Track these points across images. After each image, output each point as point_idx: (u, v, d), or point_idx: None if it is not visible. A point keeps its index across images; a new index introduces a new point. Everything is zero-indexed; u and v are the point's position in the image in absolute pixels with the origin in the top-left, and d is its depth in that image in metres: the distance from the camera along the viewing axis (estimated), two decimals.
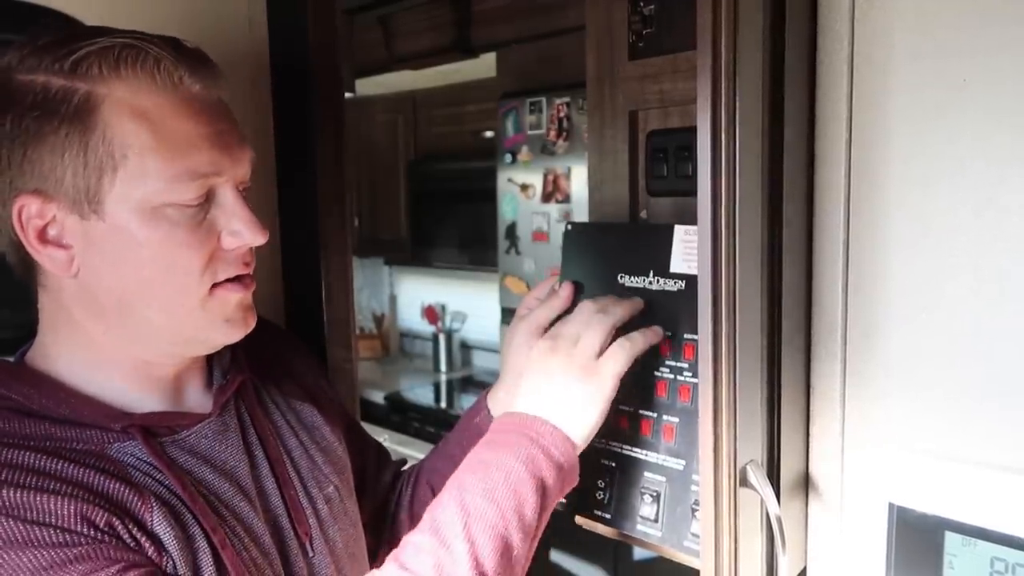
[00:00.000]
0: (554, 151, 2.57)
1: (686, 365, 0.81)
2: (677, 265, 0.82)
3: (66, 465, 0.67)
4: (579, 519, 0.89)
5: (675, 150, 0.89)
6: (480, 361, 3.89)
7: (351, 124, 1.27)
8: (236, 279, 0.75)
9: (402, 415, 3.47)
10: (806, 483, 0.79)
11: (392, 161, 3.58)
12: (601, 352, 0.79)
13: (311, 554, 0.82)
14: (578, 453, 0.77)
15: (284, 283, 1.21)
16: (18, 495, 0.63)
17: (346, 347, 1.21)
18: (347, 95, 1.40)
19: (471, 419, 0.98)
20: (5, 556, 0.61)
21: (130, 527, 0.66)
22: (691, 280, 0.80)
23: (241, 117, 0.77)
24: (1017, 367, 0.66)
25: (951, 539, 0.68)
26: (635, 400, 0.84)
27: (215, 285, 0.73)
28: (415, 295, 4.18)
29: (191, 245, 0.71)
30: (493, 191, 2.79)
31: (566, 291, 0.91)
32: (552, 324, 0.88)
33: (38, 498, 0.64)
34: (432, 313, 4.04)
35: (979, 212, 0.66)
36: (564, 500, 0.81)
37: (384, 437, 3.13)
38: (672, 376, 0.82)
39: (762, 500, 0.71)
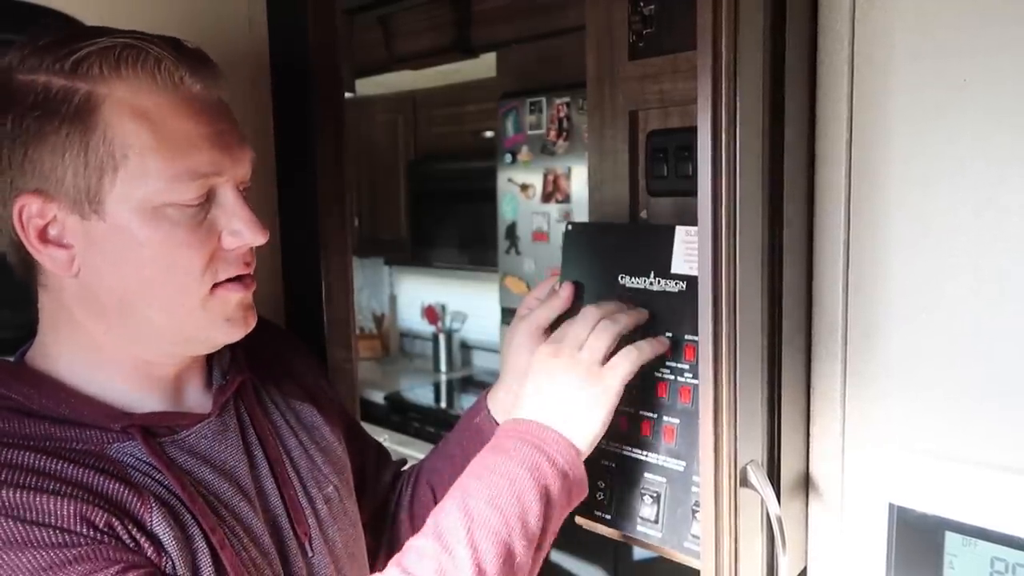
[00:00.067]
0: (554, 151, 2.57)
1: (687, 366, 0.81)
2: (678, 266, 0.82)
3: (65, 465, 0.67)
4: (579, 519, 0.89)
5: (675, 150, 0.89)
6: (480, 361, 3.89)
7: (351, 124, 1.27)
8: (237, 279, 0.75)
9: (402, 415, 3.47)
10: (806, 483, 0.79)
11: (392, 161, 3.58)
12: (606, 359, 0.79)
13: (310, 554, 0.82)
14: (583, 459, 0.77)
15: (284, 283, 1.21)
16: (17, 495, 0.63)
17: (346, 347, 1.21)
18: (347, 95, 1.40)
19: (471, 419, 0.98)
20: (4, 557, 0.61)
21: (129, 527, 0.66)
22: (692, 281, 0.80)
23: (241, 117, 0.77)
24: (1017, 367, 0.66)
25: (951, 539, 0.68)
26: (636, 401, 0.84)
27: (216, 285, 0.73)
28: (415, 295, 4.18)
29: (192, 245, 0.71)
30: (493, 191, 2.79)
31: (566, 291, 0.91)
32: (553, 325, 0.88)
33: (37, 498, 0.64)
34: (432, 313, 4.04)
35: (979, 212, 0.66)
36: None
37: (384, 437, 3.13)
38: (673, 377, 0.82)
39: (762, 500, 0.71)
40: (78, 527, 0.64)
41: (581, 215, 2.45)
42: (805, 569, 0.81)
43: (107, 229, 0.69)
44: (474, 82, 3.11)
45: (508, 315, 2.79)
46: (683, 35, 0.86)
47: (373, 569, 0.95)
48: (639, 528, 0.84)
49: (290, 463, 0.85)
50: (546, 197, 2.63)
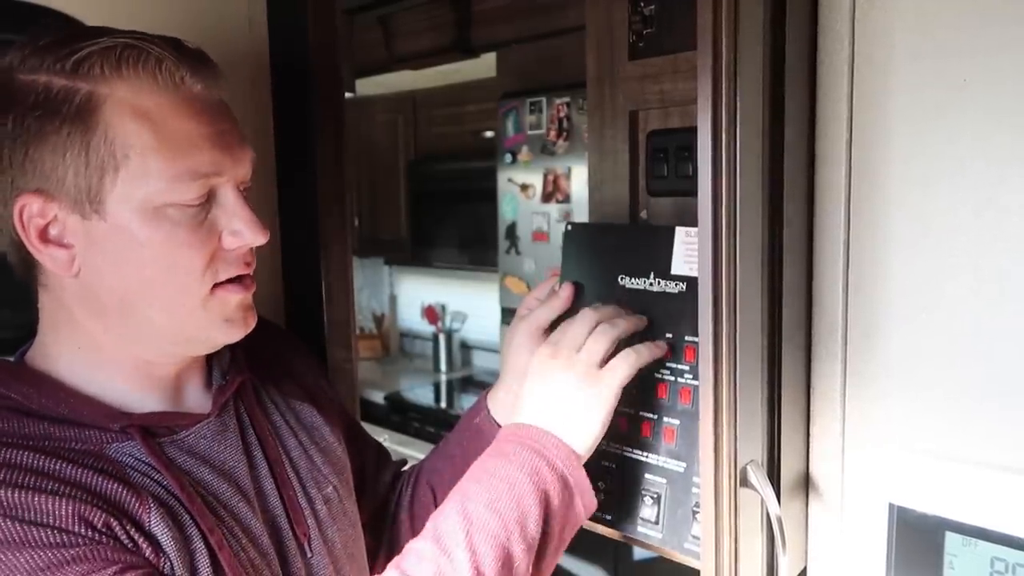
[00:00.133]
0: (554, 151, 2.57)
1: (687, 367, 0.81)
2: (678, 267, 0.82)
3: (64, 465, 0.67)
4: None
5: (675, 150, 0.89)
6: (480, 361, 3.89)
7: (351, 124, 1.27)
8: (237, 280, 0.75)
9: (402, 415, 3.47)
10: (806, 483, 0.79)
11: (392, 161, 3.58)
12: (604, 362, 0.79)
13: (309, 554, 0.82)
14: (582, 463, 0.77)
15: (284, 283, 1.21)
16: (16, 495, 0.63)
17: (346, 347, 1.21)
18: (347, 95, 1.40)
19: (471, 419, 0.98)
20: (2, 556, 0.61)
21: (128, 528, 0.66)
22: (692, 282, 0.80)
23: (241, 117, 0.77)
24: (1017, 367, 0.66)
25: (951, 539, 0.68)
26: (636, 402, 0.84)
27: (216, 285, 0.73)
28: (415, 295, 4.18)
29: (192, 245, 0.71)
30: (493, 191, 2.79)
31: (566, 292, 0.91)
32: (553, 325, 0.88)
33: (36, 498, 0.64)
34: (432, 313, 4.04)
35: (979, 212, 0.66)
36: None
37: (384, 437, 3.13)
38: (673, 378, 0.82)
39: (762, 500, 0.71)
40: (76, 527, 0.64)
41: (581, 215, 2.45)
42: (805, 569, 0.81)
43: (108, 229, 0.69)
44: (474, 82, 3.11)
45: (508, 315, 2.79)
46: (683, 35, 0.86)
47: (372, 570, 0.95)
48: (639, 529, 0.84)
49: (289, 463, 0.85)
50: (546, 197, 2.63)
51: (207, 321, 0.74)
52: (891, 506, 0.72)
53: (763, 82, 0.68)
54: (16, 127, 0.68)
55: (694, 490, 0.79)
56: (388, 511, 1.04)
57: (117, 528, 0.66)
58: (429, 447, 1.08)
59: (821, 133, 0.74)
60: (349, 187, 1.20)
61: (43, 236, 0.70)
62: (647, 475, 0.83)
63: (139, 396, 0.76)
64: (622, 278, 0.87)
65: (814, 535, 0.80)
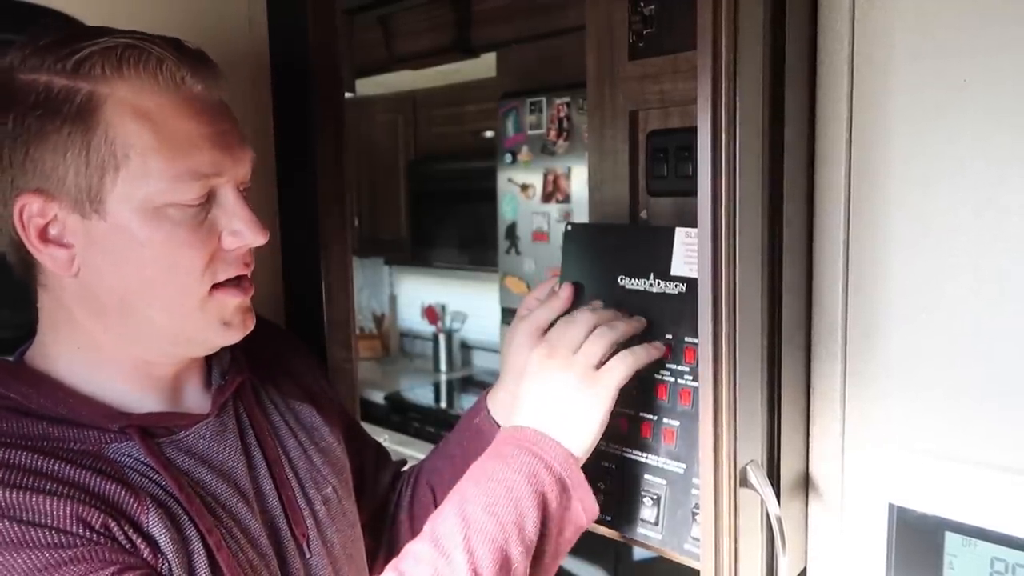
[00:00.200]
0: (554, 151, 2.57)
1: (687, 369, 0.81)
2: (678, 268, 0.82)
3: (62, 465, 0.67)
4: None
5: (675, 150, 0.89)
6: (480, 361, 3.89)
7: (351, 124, 1.27)
8: (235, 283, 0.75)
9: (402, 415, 3.47)
10: (806, 483, 0.79)
11: (392, 161, 3.58)
12: (600, 363, 0.79)
13: (308, 555, 0.82)
14: (580, 465, 0.77)
15: (284, 283, 1.21)
16: (14, 495, 0.63)
17: (346, 347, 1.21)
18: (347, 95, 1.40)
19: (471, 419, 0.98)
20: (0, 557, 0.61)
21: (126, 528, 0.66)
22: (692, 283, 0.80)
23: (241, 117, 0.77)
24: (1017, 367, 0.66)
25: (951, 539, 0.68)
26: (635, 403, 0.84)
27: (214, 287, 0.73)
28: (415, 295, 4.18)
29: (192, 245, 0.71)
30: (493, 191, 2.79)
31: (566, 292, 0.91)
32: (553, 325, 0.88)
33: (34, 499, 0.63)
34: (432, 313, 4.04)
35: (979, 212, 0.66)
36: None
37: (384, 437, 3.13)
38: (673, 379, 0.82)
39: (762, 500, 0.71)
40: (74, 528, 0.64)
41: (581, 215, 2.45)
42: (805, 569, 0.81)
43: (108, 229, 0.69)
44: (474, 82, 3.11)
45: (508, 315, 2.79)
46: (683, 35, 0.86)
47: (372, 571, 0.95)
48: (639, 530, 0.84)
49: (288, 464, 0.85)
50: (546, 197, 2.63)
51: (204, 323, 0.74)
52: (891, 506, 0.72)
53: (763, 82, 0.68)
54: (16, 126, 0.68)
55: (694, 491, 0.79)
56: (388, 511, 1.04)
57: (115, 529, 0.66)
58: (429, 447, 1.08)
59: (821, 133, 0.74)
60: (349, 187, 1.20)
61: (43, 236, 0.70)
62: (647, 476, 0.83)
63: (138, 396, 0.76)
64: (622, 279, 0.87)
65: (814, 535, 0.80)
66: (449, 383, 3.77)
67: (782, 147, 0.71)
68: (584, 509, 0.78)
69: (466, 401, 3.49)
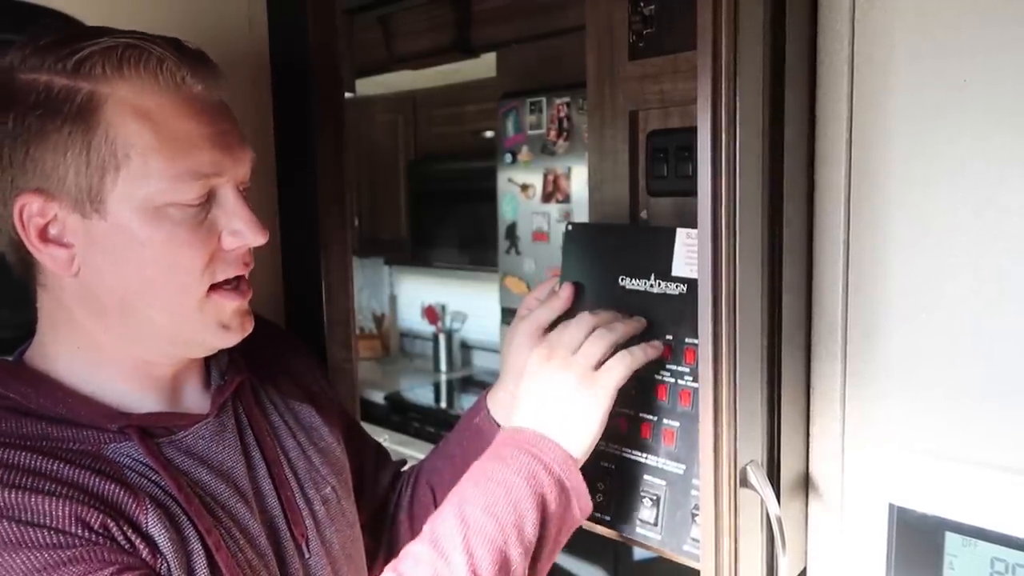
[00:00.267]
0: (554, 151, 2.57)
1: (687, 369, 0.81)
2: (679, 269, 0.82)
3: (61, 466, 0.67)
4: None
5: (675, 150, 0.89)
6: (480, 361, 3.89)
7: (351, 124, 1.27)
8: (234, 286, 0.75)
9: (402, 415, 3.47)
10: (806, 483, 0.79)
11: (392, 161, 3.58)
12: (600, 364, 0.79)
13: (307, 555, 0.82)
14: (579, 467, 0.77)
15: (284, 283, 1.21)
16: (13, 496, 0.63)
17: (346, 347, 1.21)
18: (347, 95, 1.40)
19: (471, 419, 0.98)
20: None
21: (125, 529, 0.66)
22: (692, 284, 0.80)
23: (241, 117, 0.77)
24: (1017, 367, 0.66)
25: (951, 539, 0.68)
26: (635, 403, 0.84)
27: (213, 289, 0.73)
28: (415, 295, 4.18)
29: (193, 245, 0.71)
30: (493, 191, 2.79)
31: (566, 292, 0.91)
32: (553, 325, 0.88)
33: (33, 499, 0.63)
34: (432, 313, 4.04)
35: (979, 212, 0.66)
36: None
37: (384, 437, 3.13)
38: (673, 380, 0.82)
39: (762, 500, 0.71)
40: (73, 528, 0.64)
41: (581, 215, 2.45)
42: (805, 569, 0.81)
43: (108, 228, 0.69)
44: (474, 82, 3.11)
45: (508, 315, 2.79)
46: (683, 35, 0.86)
47: (371, 570, 0.95)
48: (638, 530, 0.83)
49: (288, 464, 0.85)
50: (546, 197, 2.63)
51: (203, 324, 0.74)
52: (891, 506, 0.72)
53: (763, 82, 0.68)
54: (17, 126, 0.68)
55: (693, 492, 0.79)
56: (387, 511, 1.04)
57: (114, 529, 0.66)
58: (429, 447, 1.08)
59: (821, 133, 0.74)
60: (349, 187, 1.20)
61: (43, 235, 0.70)
62: (646, 476, 0.83)
63: (138, 396, 0.76)
64: (622, 279, 0.87)
65: (814, 535, 0.80)
66: (449, 383, 3.77)
67: (782, 147, 0.71)
68: (580, 508, 0.78)
69: (466, 401, 3.49)
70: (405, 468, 1.09)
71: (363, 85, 3.14)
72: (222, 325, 0.75)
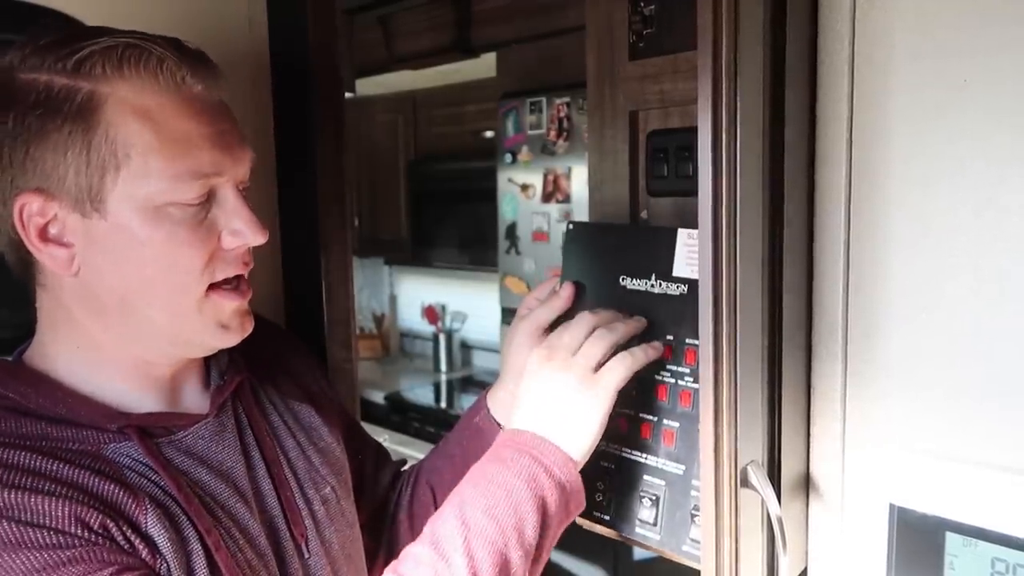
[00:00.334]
0: (554, 151, 2.57)
1: (687, 370, 0.81)
2: (680, 269, 0.82)
3: (61, 466, 0.67)
4: (578, 519, 0.89)
5: (675, 150, 0.89)
6: (480, 361, 3.88)
7: (351, 124, 1.27)
8: (233, 286, 0.75)
9: (402, 415, 3.47)
10: (807, 483, 0.79)
11: (392, 161, 3.58)
12: (599, 365, 0.79)
13: (307, 555, 0.82)
14: (579, 469, 0.77)
15: (284, 283, 1.21)
16: (12, 496, 0.63)
17: (346, 347, 1.21)
18: (347, 95, 1.40)
19: (471, 419, 0.98)
20: None
21: (124, 529, 0.66)
22: (693, 284, 0.80)
23: (241, 117, 0.77)
24: (1018, 367, 0.66)
25: (952, 540, 0.68)
26: (636, 404, 0.84)
27: (212, 288, 0.73)
28: (415, 295, 4.18)
29: (192, 244, 0.71)
30: (493, 191, 2.79)
31: (567, 291, 0.90)
32: (553, 325, 0.88)
33: (32, 499, 0.63)
34: (432, 313, 4.04)
35: (979, 212, 0.66)
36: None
37: (384, 437, 3.13)
38: (673, 381, 0.82)
39: (763, 500, 0.71)
40: (73, 528, 0.64)
41: (581, 215, 2.45)
42: (805, 570, 0.81)
43: (108, 228, 0.69)
44: (474, 82, 3.11)
45: (508, 315, 2.79)
46: (683, 35, 0.86)
47: (371, 571, 0.95)
48: (637, 530, 0.83)
49: (287, 464, 0.85)
50: (546, 197, 2.63)
51: (202, 324, 0.74)
52: (891, 506, 0.72)
53: (763, 82, 0.68)
54: (17, 126, 0.68)
55: (693, 493, 0.79)
56: (387, 511, 1.04)
57: (113, 529, 0.66)
58: (429, 447, 1.08)
59: (821, 133, 0.74)
60: (349, 187, 1.20)
61: (43, 235, 0.70)
62: (646, 477, 0.83)
63: (137, 396, 0.76)
64: (623, 279, 0.87)
65: (814, 535, 0.80)
66: (449, 383, 3.77)
67: (782, 147, 0.71)
68: (577, 507, 0.78)
69: (466, 401, 3.49)
70: (405, 468, 1.09)
71: (363, 85, 3.14)
72: (221, 325, 0.75)
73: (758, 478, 0.70)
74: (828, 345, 0.76)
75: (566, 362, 0.79)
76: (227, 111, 0.75)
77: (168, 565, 0.68)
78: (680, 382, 0.81)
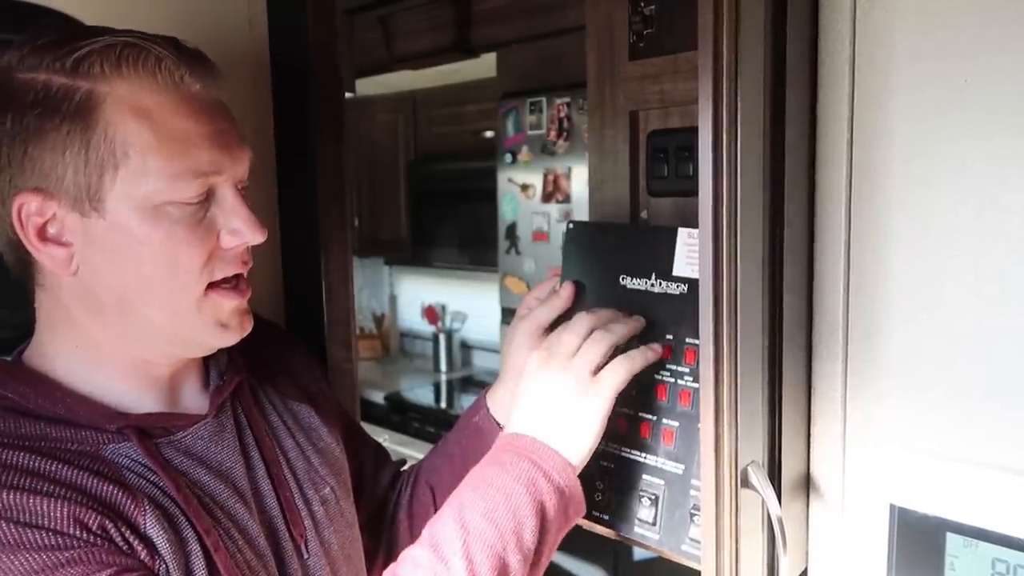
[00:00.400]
0: (554, 151, 2.57)
1: (687, 369, 0.81)
2: (680, 268, 0.82)
3: (60, 466, 0.67)
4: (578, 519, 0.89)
5: (676, 150, 0.89)
6: (480, 361, 3.88)
7: (351, 124, 1.27)
8: (232, 285, 0.75)
9: (402, 415, 3.47)
10: (807, 484, 0.79)
11: (392, 161, 3.58)
12: (598, 368, 0.78)
13: (306, 556, 0.82)
14: (577, 473, 0.77)
15: (284, 283, 1.21)
16: (11, 497, 0.63)
17: (346, 347, 1.21)
18: (347, 95, 1.39)
19: (470, 418, 0.98)
20: None
21: (123, 530, 0.66)
22: (693, 284, 0.79)
23: (241, 117, 0.77)
24: (1018, 367, 0.66)
25: (952, 540, 0.68)
26: (635, 403, 0.84)
27: (211, 287, 0.73)
28: (415, 295, 4.18)
29: (191, 243, 0.71)
30: (493, 191, 2.79)
31: (567, 291, 0.90)
32: (553, 325, 0.88)
33: (30, 500, 0.63)
34: (432, 313, 4.04)
35: (980, 212, 0.66)
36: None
37: (384, 437, 3.13)
38: (673, 380, 0.82)
39: (763, 501, 0.71)
40: (71, 529, 0.63)
41: (581, 215, 2.44)
42: (806, 570, 0.81)
43: (107, 227, 0.69)
44: (474, 82, 3.11)
45: (508, 315, 2.79)
46: (684, 35, 0.86)
47: (370, 571, 0.95)
48: (636, 530, 0.83)
49: (287, 464, 0.85)
50: (546, 197, 2.63)
51: (201, 324, 0.74)
52: (892, 507, 0.72)
53: (764, 82, 0.68)
54: (15, 125, 0.68)
55: (692, 492, 0.79)
56: (387, 511, 1.04)
57: (112, 530, 0.65)
58: (429, 447, 1.08)
59: (822, 133, 0.74)
60: (349, 187, 1.20)
61: (41, 234, 0.70)
62: (645, 476, 0.83)
63: (136, 396, 0.76)
64: (623, 278, 0.87)
65: (815, 536, 0.80)
66: (449, 383, 3.76)
67: (783, 147, 0.71)
68: (576, 512, 0.78)
69: (466, 401, 3.49)
70: (404, 468, 1.09)
71: (363, 85, 3.14)
72: (221, 324, 0.75)
73: (758, 478, 0.70)
74: (829, 345, 0.76)
75: (564, 365, 0.78)
76: (225, 110, 0.74)
77: (167, 566, 0.68)
78: (680, 381, 0.81)
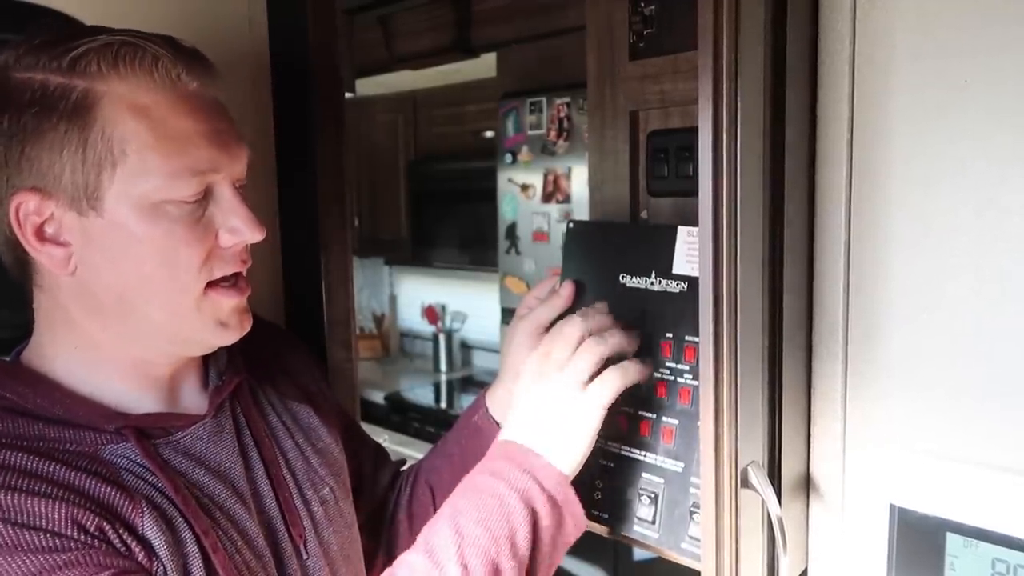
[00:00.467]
0: (554, 151, 2.57)
1: (687, 367, 0.81)
2: (680, 267, 0.82)
3: (58, 467, 0.67)
4: None
5: (676, 150, 0.89)
6: (480, 361, 3.88)
7: (351, 124, 1.27)
8: (232, 284, 0.75)
9: (402, 415, 3.47)
10: (807, 484, 0.79)
11: (392, 161, 3.58)
12: (591, 378, 0.78)
13: (305, 556, 0.82)
14: (569, 481, 0.77)
15: (284, 283, 1.20)
16: (8, 498, 0.63)
17: (346, 347, 1.21)
18: (347, 95, 1.39)
19: (469, 418, 0.98)
20: None
21: (120, 532, 0.66)
22: (693, 282, 0.79)
23: (241, 117, 0.77)
24: (1018, 367, 0.66)
25: (952, 540, 0.68)
26: (635, 401, 0.84)
27: (210, 286, 0.73)
28: (415, 295, 4.18)
29: (190, 242, 0.71)
30: (493, 191, 2.79)
31: (567, 290, 0.90)
32: (553, 324, 0.88)
33: (28, 501, 0.63)
34: (432, 313, 4.04)
35: (980, 212, 0.66)
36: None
37: (384, 437, 3.13)
38: (672, 378, 0.82)
39: (763, 501, 0.71)
40: (69, 531, 0.63)
41: (581, 215, 2.44)
42: (806, 570, 0.81)
43: (105, 226, 0.69)
44: (474, 82, 3.11)
45: (508, 315, 2.79)
46: (684, 35, 0.86)
47: (370, 572, 0.95)
48: (636, 528, 0.83)
49: (286, 465, 0.85)
50: (546, 197, 2.63)
51: (201, 323, 0.74)
52: (892, 507, 0.72)
53: (764, 82, 0.68)
54: (12, 125, 0.68)
55: (692, 490, 0.79)
56: (386, 512, 1.04)
57: (110, 532, 0.65)
58: (429, 447, 1.08)
59: (822, 133, 0.74)
60: (349, 187, 1.20)
61: (39, 234, 0.69)
62: (644, 474, 0.83)
63: (135, 396, 0.76)
64: (623, 277, 0.87)
65: (815, 536, 0.80)
66: (449, 383, 3.76)
67: (783, 147, 0.71)
68: (574, 523, 0.77)
69: (466, 401, 3.49)
70: (404, 468, 1.09)
71: (363, 85, 3.14)
72: (220, 323, 0.75)
73: (758, 478, 0.70)
74: (828, 345, 0.76)
75: (557, 374, 0.78)
76: (223, 109, 0.74)
77: (165, 567, 0.67)
78: (679, 379, 0.81)
